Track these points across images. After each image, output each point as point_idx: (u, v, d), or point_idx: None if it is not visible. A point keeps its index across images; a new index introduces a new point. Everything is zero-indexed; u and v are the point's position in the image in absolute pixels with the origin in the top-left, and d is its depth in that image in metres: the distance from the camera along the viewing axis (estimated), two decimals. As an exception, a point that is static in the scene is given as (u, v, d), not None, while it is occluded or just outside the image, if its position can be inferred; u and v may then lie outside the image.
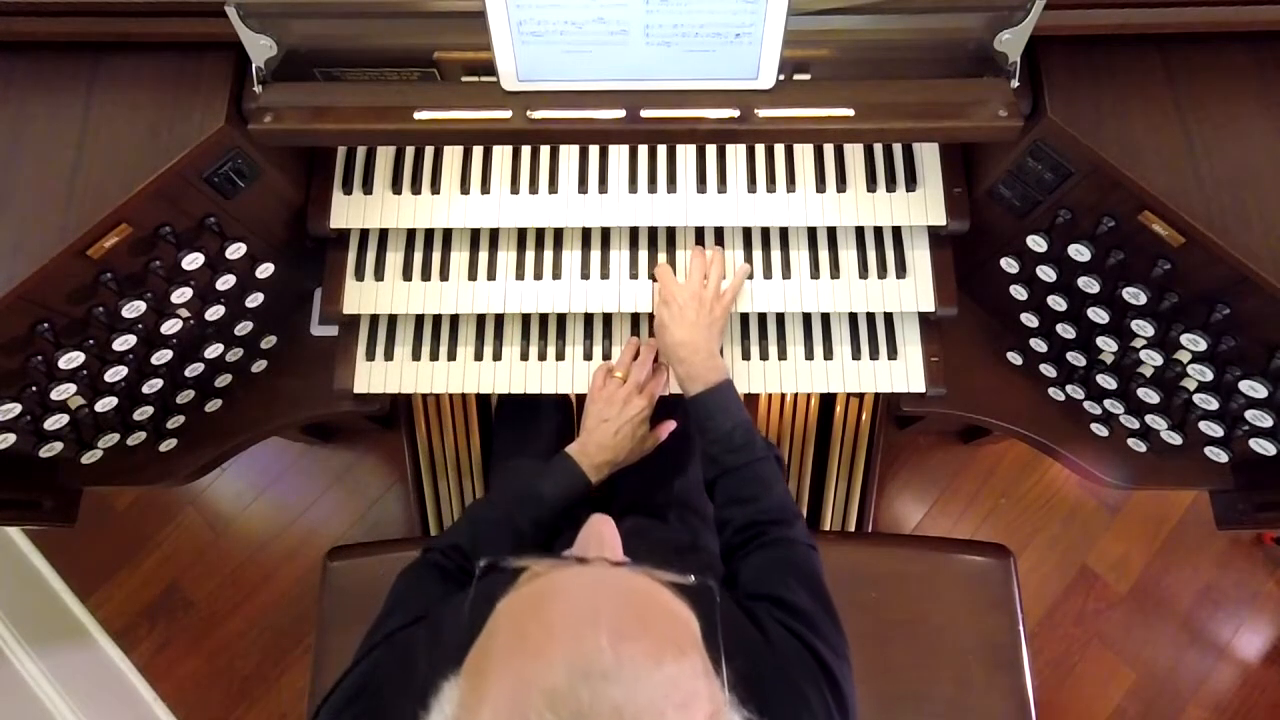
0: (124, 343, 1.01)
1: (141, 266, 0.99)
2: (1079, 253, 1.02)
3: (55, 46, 0.94)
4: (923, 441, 2.05)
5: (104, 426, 1.10)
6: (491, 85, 0.95)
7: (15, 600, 1.92)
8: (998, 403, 1.27)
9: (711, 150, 1.17)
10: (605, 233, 1.22)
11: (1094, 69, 0.95)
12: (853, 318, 1.24)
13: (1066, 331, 1.13)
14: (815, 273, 1.20)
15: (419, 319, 1.23)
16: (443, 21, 0.95)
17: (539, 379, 1.22)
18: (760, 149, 1.17)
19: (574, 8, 0.86)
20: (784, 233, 1.22)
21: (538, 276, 1.20)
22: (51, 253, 0.87)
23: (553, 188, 1.16)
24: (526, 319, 1.24)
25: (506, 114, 0.96)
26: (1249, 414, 0.99)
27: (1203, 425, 1.05)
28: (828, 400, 1.83)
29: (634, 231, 1.22)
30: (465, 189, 1.16)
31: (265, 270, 1.13)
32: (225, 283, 1.07)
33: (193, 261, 1.00)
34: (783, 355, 1.23)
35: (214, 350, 1.14)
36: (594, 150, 1.17)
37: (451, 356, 1.22)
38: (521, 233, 1.22)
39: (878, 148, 1.17)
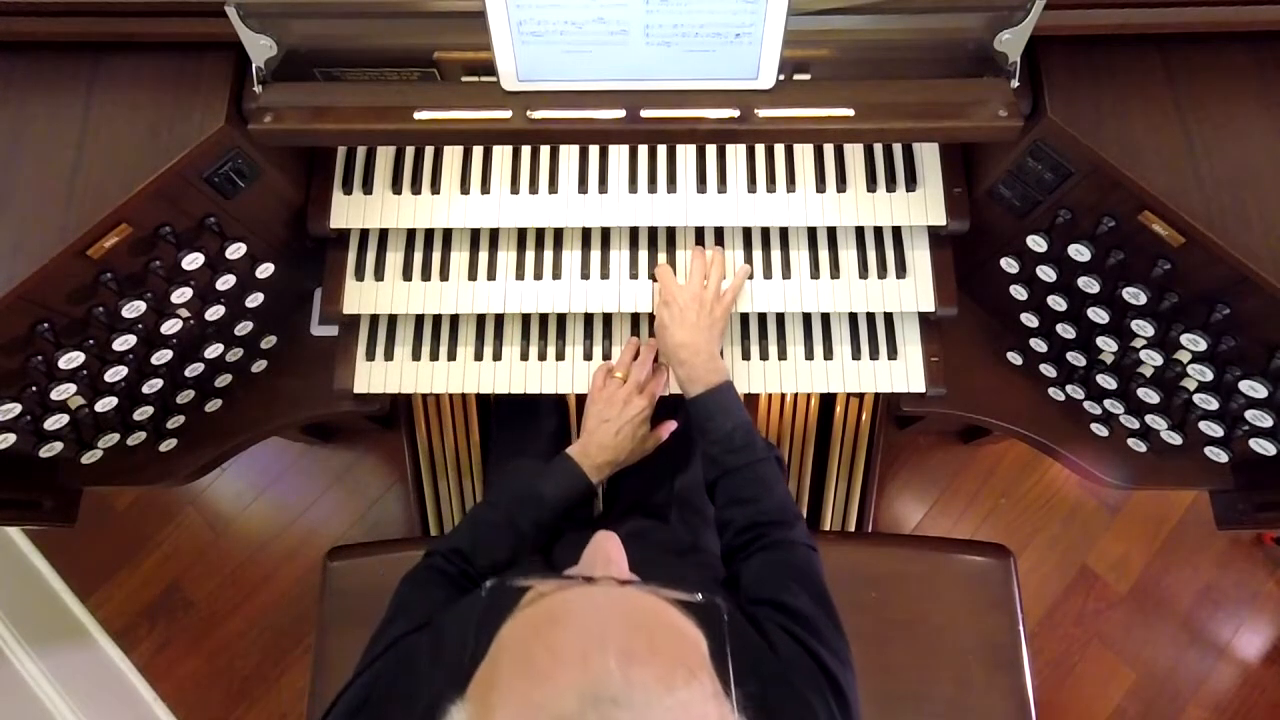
0: (124, 343, 1.01)
1: (141, 266, 0.99)
2: (1079, 253, 1.02)
3: (55, 46, 0.94)
4: (923, 441, 2.05)
5: (104, 426, 1.10)
6: (491, 85, 0.95)
7: (15, 600, 1.92)
8: (998, 403, 1.27)
9: (711, 150, 1.17)
10: (605, 233, 1.22)
11: (1094, 69, 0.95)
12: (853, 318, 1.24)
13: (1066, 331, 1.13)
14: (815, 273, 1.20)
15: (419, 319, 1.23)
16: (443, 21, 0.95)
17: (539, 379, 1.22)
18: (760, 149, 1.17)
19: (574, 8, 0.86)
20: (784, 233, 1.22)
21: (538, 276, 1.20)
22: (51, 253, 0.87)
23: (553, 188, 1.16)
24: (526, 319, 1.24)
25: (506, 114, 0.96)
26: (1249, 414, 0.99)
27: (1203, 425, 1.05)
28: (828, 400, 1.83)
29: (634, 231, 1.22)
30: (465, 189, 1.16)
31: (265, 270, 1.13)
32: (225, 283, 1.07)
33: (193, 261, 1.01)
34: (783, 355, 1.23)
35: (214, 350, 1.14)
36: (594, 150, 1.17)
37: (451, 356, 1.22)
38: (521, 233, 1.22)
39: (878, 148, 1.17)
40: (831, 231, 1.22)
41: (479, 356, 1.22)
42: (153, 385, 1.10)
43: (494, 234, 1.21)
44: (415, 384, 1.21)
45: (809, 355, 1.22)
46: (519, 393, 1.21)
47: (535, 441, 1.39)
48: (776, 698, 0.68)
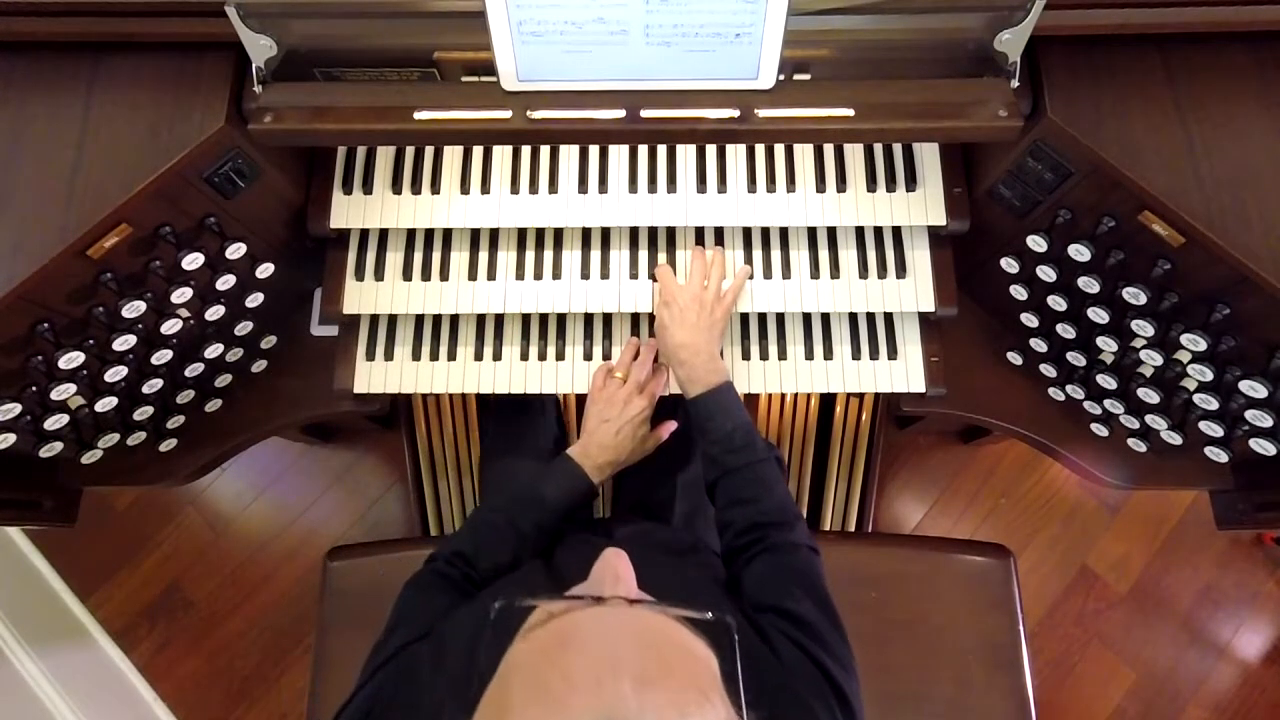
0: (124, 343, 1.01)
1: (141, 266, 0.99)
2: (1079, 253, 1.02)
3: (55, 46, 0.94)
4: (923, 441, 2.05)
5: (104, 426, 1.10)
6: (491, 85, 0.95)
7: (15, 600, 1.92)
8: (998, 403, 1.27)
9: (711, 150, 1.17)
10: (605, 233, 1.22)
11: (1094, 69, 0.95)
12: (853, 318, 1.24)
13: (1066, 331, 1.13)
14: (815, 273, 1.20)
15: (419, 319, 1.23)
16: (443, 21, 0.95)
17: (539, 379, 1.22)
18: (760, 149, 1.17)
19: (574, 8, 0.86)
20: (784, 233, 1.22)
21: (538, 276, 1.20)
22: (51, 253, 0.87)
23: (553, 188, 1.16)
24: (526, 319, 1.24)
25: (506, 114, 0.96)
26: (1249, 414, 0.99)
27: (1203, 425, 1.05)
28: (828, 400, 1.83)
29: (634, 231, 1.22)
30: (465, 189, 1.16)
31: (265, 270, 1.13)
32: (225, 283, 1.07)
33: (193, 261, 1.00)
34: (783, 355, 1.23)
35: (214, 350, 1.14)
36: (594, 150, 1.17)
37: (451, 356, 1.22)
38: (521, 233, 1.22)
39: (878, 148, 1.17)
40: (831, 231, 1.22)
41: (479, 356, 1.22)
42: (153, 385, 1.10)
43: (494, 234, 1.21)
44: (415, 384, 1.21)
45: (809, 355, 1.22)
46: (519, 393, 1.21)
47: (530, 440, 1.39)
48: (782, 708, 0.67)
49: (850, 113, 0.96)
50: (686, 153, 1.17)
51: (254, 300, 1.14)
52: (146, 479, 1.25)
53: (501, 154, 1.17)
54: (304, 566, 1.98)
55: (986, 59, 0.95)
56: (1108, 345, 1.08)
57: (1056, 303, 1.11)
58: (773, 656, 0.73)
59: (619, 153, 1.17)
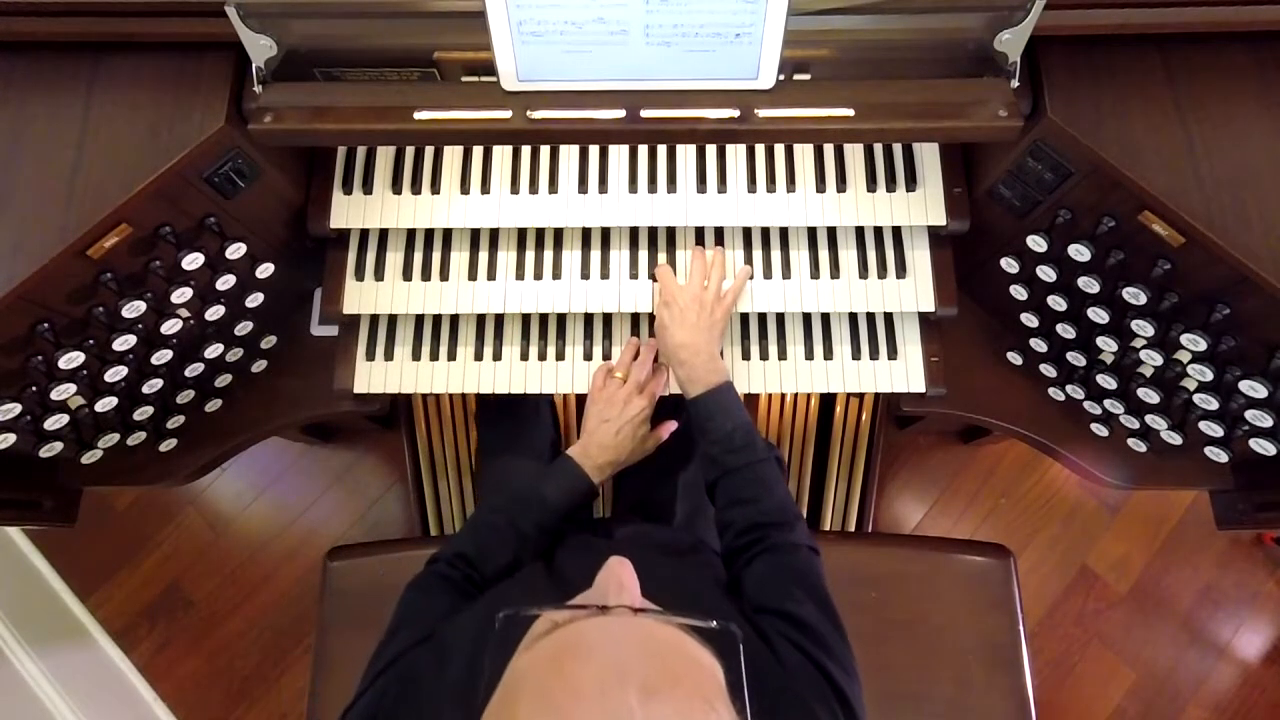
0: (124, 343, 1.01)
1: (141, 266, 0.99)
2: (1079, 253, 1.02)
3: (55, 46, 0.94)
4: (923, 441, 2.05)
5: (104, 426, 1.10)
6: (491, 85, 0.95)
7: (15, 600, 1.92)
8: (998, 403, 1.27)
9: (711, 150, 1.17)
10: (605, 233, 1.22)
11: (1094, 69, 0.95)
12: (853, 318, 1.24)
13: (1066, 331, 1.13)
14: (815, 273, 1.20)
15: (419, 319, 1.23)
16: (443, 21, 0.95)
17: (539, 379, 1.22)
18: (760, 149, 1.17)
19: (574, 8, 0.86)
20: (784, 233, 1.22)
21: (538, 276, 1.20)
22: (51, 253, 0.87)
23: (553, 188, 1.16)
24: (526, 319, 1.24)
25: (506, 114, 0.96)
26: (1249, 414, 0.99)
27: (1203, 425, 1.05)
28: (828, 400, 1.83)
29: (634, 231, 1.22)
30: (465, 189, 1.16)
31: (265, 270, 1.13)
32: (225, 283, 1.07)
33: (193, 261, 1.01)
34: (783, 355, 1.23)
35: (214, 350, 1.14)
36: (594, 150, 1.17)
37: (451, 356, 1.22)
38: (521, 233, 1.22)
39: (878, 148, 1.17)
40: (831, 231, 1.22)
41: (479, 356, 1.22)
42: (153, 385, 1.10)
43: (494, 234, 1.21)
44: (415, 384, 1.21)
45: (809, 355, 1.22)
46: (519, 392, 1.21)
47: (526, 439, 1.38)
48: (785, 712, 0.67)
49: (850, 113, 0.96)
50: (686, 153, 1.17)
51: (254, 300, 1.14)
52: (146, 479, 1.25)
53: (501, 154, 1.17)
54: (304, 566, 1.98)
55: (986, 59, 0.95)
56: (1108, 345, 1.08)
57: (1056, 303, 1.11)
58: (774, 660, 0.73)
59: (619, 153, 1.17)
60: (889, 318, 1.24)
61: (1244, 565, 1.98)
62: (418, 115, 0.96)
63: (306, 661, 1.82)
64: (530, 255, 1.20)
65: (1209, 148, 0.91)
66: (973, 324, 1.27)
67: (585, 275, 1.19)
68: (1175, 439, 1.11)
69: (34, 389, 0.98)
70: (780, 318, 1.24)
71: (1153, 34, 0.93)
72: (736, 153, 1.17)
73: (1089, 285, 1.04)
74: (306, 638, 1.94)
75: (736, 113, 0.96)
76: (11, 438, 1.00)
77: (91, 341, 0.99)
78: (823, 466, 1.84)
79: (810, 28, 0.94)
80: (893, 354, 1.22)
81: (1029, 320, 1.18)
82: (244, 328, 1.16)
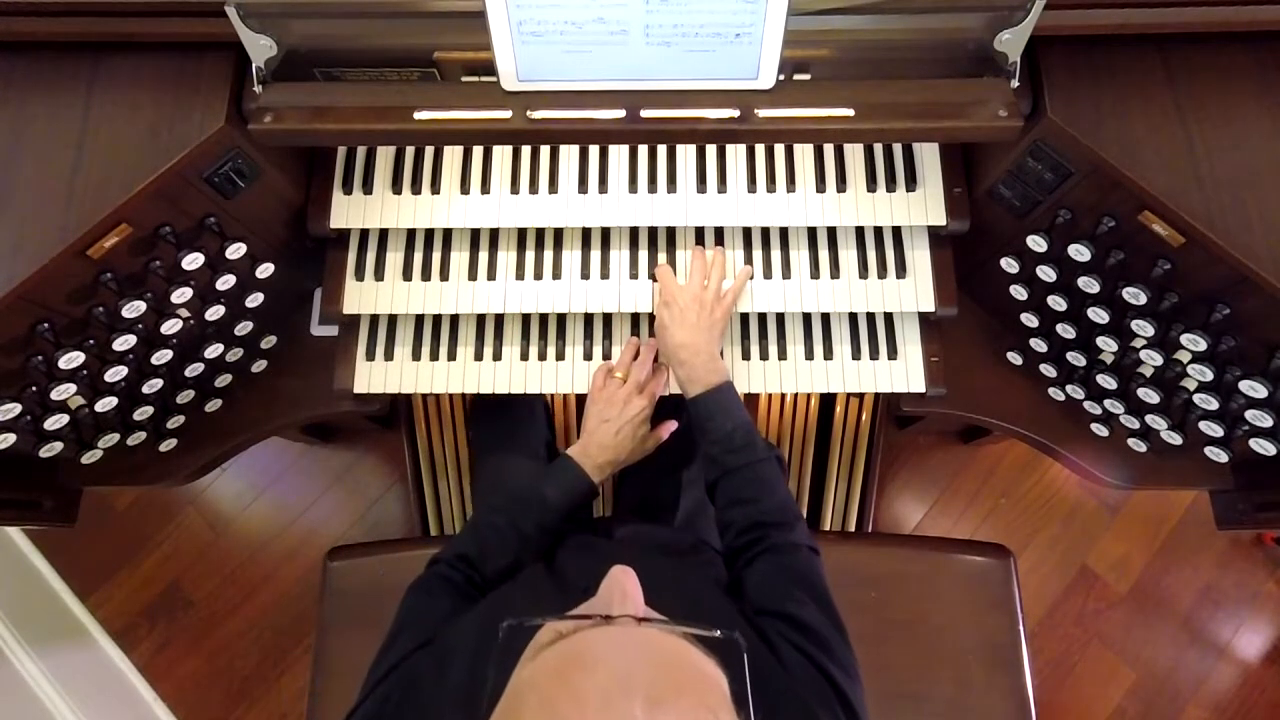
0: (124, 343, 1.01)
1: (141, 266, 0.99)
2: (1079, 253, 1.02)
3: (55, 46, 0.94)
4: (923, 441, 2.05)
5: (104, 426, 1.10)
6: (491, 85, 0.95)
7: (15, 600, 1.92)
8: (998, 403, 1.27)
9: (711, 150, 1.17)
10: (605, 233, 1.22)
11: (1094, 69, 0.95)
12: (853, 318, 1.24)
13: (1066, 331, 1.13)
14: (815, 273, 1.20)
15: (419, 319, 1.23)
16: (443, 21, 0.95)
17: (539, 379, 1.22)
18: (760, 149, 1.17)
19: (574, 8, 0.86)
20: (784, 233, 1.22)
21: (538, 276, 1.20)
22: (51, 253, 0.87)
23: (553, 188, 1.16)
24: (526, 319, 1.24)
25: (506, 114, 0.96)
26: (1249, 414, 0.99)
27: (1203, 425, 1.05)
28: (828, 400, 1.83)
29: (634, 231, 1.22)
30: (465, 189, 1.16)
31: (265, 270, 1.13)
32: (225, 283, 1.07)
33: (193, 261, 1.00)
34: (783, 355, 1.23)
35: (214, 350, 1.14)
36: (594, 150, 1.17)
37: (451, 356, 1.22)
38: (521, 233, 1.21)
39: (878, 148, 1.17)
40: (831, 231, 1.22)
41: (479, 356, 1.22)
42: (153, 385, 1.10)
43: (494, 234, 1.21)
44: (415, 384, 1.21)
45: (809, 355, 1.22)
46: (519, 392, 1.21)
47: (520, 438, 1.38)
48: (787, 716, 0.67)
49: (850, 113, 0.96)
50: (686, 153, 1.17)
51: (254, 300, 1.14)
52: (146, 479, 1.25)
53: (501, 154, 1.17)
54: (304, 566, 1.98)
55: (986, 59, 0.95)
56: (1108, 345, 1.08)
57: (1056, 303, 1.11)
58: (777, 663, 0.72)
59: (619, 153, 1.17)
60: (889, 318, 1.24)
61: (1244, 565, 1.98)
62: (418, 115, 0.96)
63: (306, 661, 1.82)
64: (530, 255, 1.20)
65: (1209, 148, 0.91)
66: (973, 324, 1.27)
67: (585, 275, 1.19)
68: (1175, 439, 1.11)
69: (34, 389, 0.98)
70: (780, 318, 1.24)
71: (1153, 34, 0.93)
72: (736, 153, 1.17)
73: (1089, 285, 1.04)
74: (306, 638, 1.94)
75: (736, 113, 0.96)
76: (11, 438, 1.00)
77: (91, 341, 0.99)
78: (823, 466, 1.84)
79: (810, 28, 0.94)
80: (893, 354, 1.22)
81: (1029, 320, 1.18)
82: (244, 328, 1.16)
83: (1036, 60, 0.96)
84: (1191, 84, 0.94)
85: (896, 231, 1.22)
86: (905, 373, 1.21)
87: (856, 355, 1.22)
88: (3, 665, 1.84)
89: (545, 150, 1.17)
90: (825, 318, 1.24)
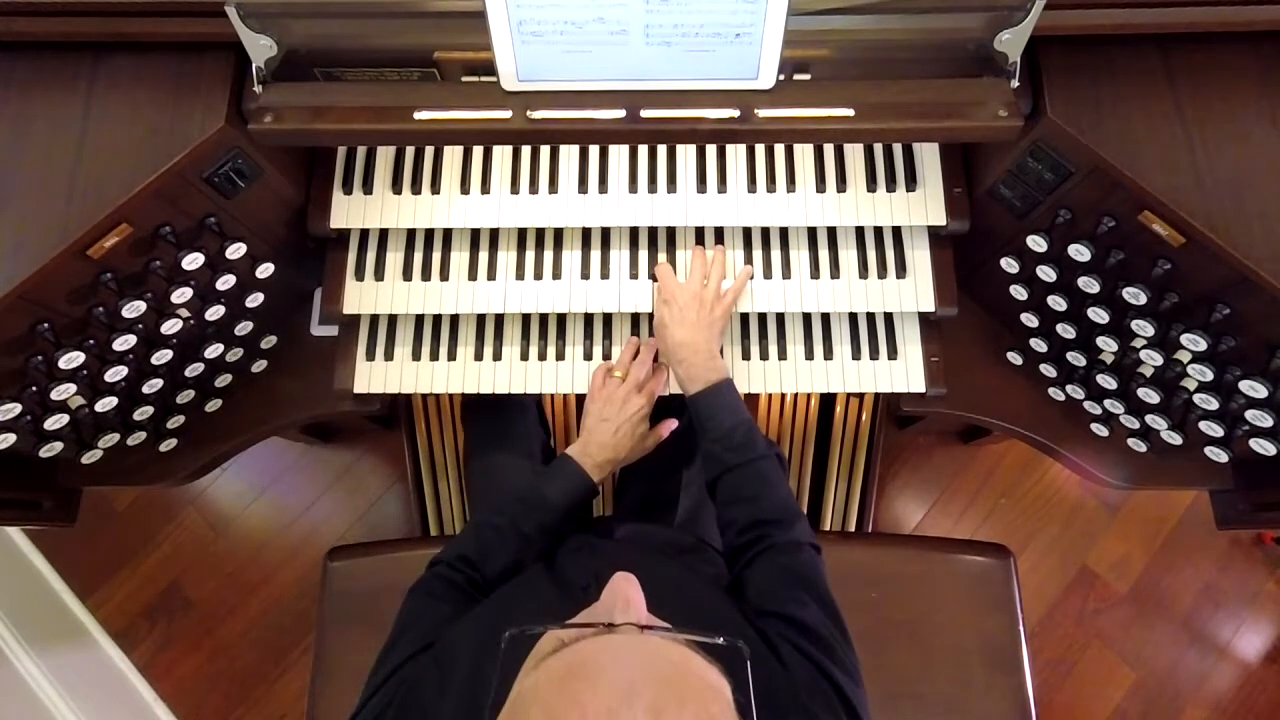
0: (124, 343, 1.01)
1: (142, 266, 0.99)
2: (1079, 253, 1.02)
3: (55, 46, 0.94)
4: (923, 441, 2.05)
5: (104, 426, 1.10)
6: (491, 85, 0.95)
7: (15, 600, 1.92)
8: (998, 403, 1.27)
9: (711, 150, 1.17)
10: (605, 233, 1.22)
11: (1094, 69, 0.95)
12: (853, 318, 1.24)
13: (1066, 331, 1.13)
14: (815, 273, 1.20)
15: (419, 319, 1.23)
16: (443, 21, 0.95)
17: (539, 379, 1.22)
18: (760, 149, 1.17)
19: (574, 8, 0.86)
20: (784, 233, 1.22)
21: (538, 276, 1.20)
22: (52, 253, 0.87)
23: (553, 188, 1.16)
24: (526, 319, 1.24)
25: (506, 114, 0.96)
26: (1249, 414, 0.99)
27: (1203, 425, 1.05)
28: (828, 400, 1.83)
29: (634, 231, 1.22)
30: (465, 189, 1.16)
31: (265, 270, 1.13)
32: (225, 283, 1.07)
33: (193, 261, 1.00)
34: (783, 355, 1.23)
35: (214, 350, 1.14)
36: (594, 150, 1.17)
37: (451, 356, 1.22)
38: (521, 233, 1.21)
39: (878, 148, 1.17)
40: (831, 231, 1.22)
41: (479, 356, 1.22)
42: (153, 385, 1.10)
43: (494, 234, 1.21)
44: (415, 384, 1.21)
45: (809, 355, 1.22)
46: (519, 392, 1.21)
47: (513, 437, 1.38)
48: (789, 718, 0.67)
49: (850, 113, 0.96)
50: (686, 153, 1.17)
51: (254, 300, 1.14)
52: (146, 479, 1.25)
53: (501, 154, 1.17)
54: (304, 566, 1.98)
55: (986, 59, 0.95)
56: (1108, 345, 1.08)
57: (1056, 303, 1.11)
58: (779, 666, 0.72)
59: (619, 153, 1.17)
60: (889, 318, 1.24)
61: (1244, 565, 1.98)
62: (418, 115, 0.96)
63: (306, 661, 1.82)
64: (530, 255, 1.20)
65: (1209, 148, 0.91)
66: (973, 324, 1.27)
67: (585, 275, 1.19)
68: (1175, 439, 1.11)
69: (34, 389, 0.98)
70: (780, 318, 1.24)
71: (1153, 34, 0.93)
72: (736, 153, 1.17)
73: (1089, 285, 1.04)
74: (306, 638, 1.94)
75: (736, 113, 0.96)
76: (11, 438, 1.00)
77: (91, 341, 0.99)
78: (823, 466, 1.84)
79: (810, 28, 0.94)
80: (893, 354, 1.22)
81: (1029, 320, 1.18)
82: (244, 328, 1.16)
83: (1036, 60, 0.96)
84: (1191, 84, 0.94)
85: (896, 231, 1.22)
86: (905, 373, 1.21)
87: (856, 355, 1.22)
88: (3, 665, 1.84)
89: (545, 150, 1.17)
90: (825, 318, 1.24)
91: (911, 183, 1.15)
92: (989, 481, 2.04)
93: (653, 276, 1.19)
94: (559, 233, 1.21)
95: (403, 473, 1.90)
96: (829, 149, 1.17)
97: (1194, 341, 0.97)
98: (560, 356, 1.23)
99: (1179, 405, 1.07)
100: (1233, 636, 1.95)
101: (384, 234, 1.21)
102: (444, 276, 1.20)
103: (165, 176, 0.91)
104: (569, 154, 1.17)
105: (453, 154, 1.17)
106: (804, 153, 1.17)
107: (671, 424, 1.18)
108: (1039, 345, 1.19)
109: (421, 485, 1.84)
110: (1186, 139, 0.92)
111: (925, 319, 1.23)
